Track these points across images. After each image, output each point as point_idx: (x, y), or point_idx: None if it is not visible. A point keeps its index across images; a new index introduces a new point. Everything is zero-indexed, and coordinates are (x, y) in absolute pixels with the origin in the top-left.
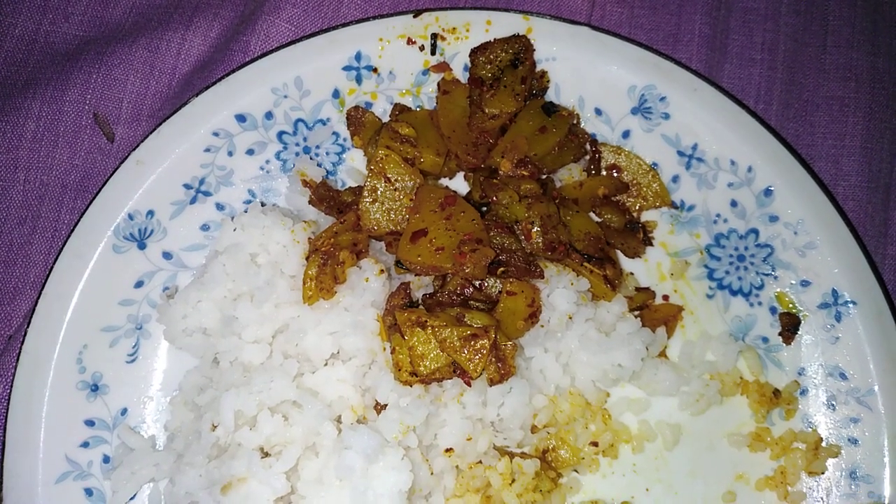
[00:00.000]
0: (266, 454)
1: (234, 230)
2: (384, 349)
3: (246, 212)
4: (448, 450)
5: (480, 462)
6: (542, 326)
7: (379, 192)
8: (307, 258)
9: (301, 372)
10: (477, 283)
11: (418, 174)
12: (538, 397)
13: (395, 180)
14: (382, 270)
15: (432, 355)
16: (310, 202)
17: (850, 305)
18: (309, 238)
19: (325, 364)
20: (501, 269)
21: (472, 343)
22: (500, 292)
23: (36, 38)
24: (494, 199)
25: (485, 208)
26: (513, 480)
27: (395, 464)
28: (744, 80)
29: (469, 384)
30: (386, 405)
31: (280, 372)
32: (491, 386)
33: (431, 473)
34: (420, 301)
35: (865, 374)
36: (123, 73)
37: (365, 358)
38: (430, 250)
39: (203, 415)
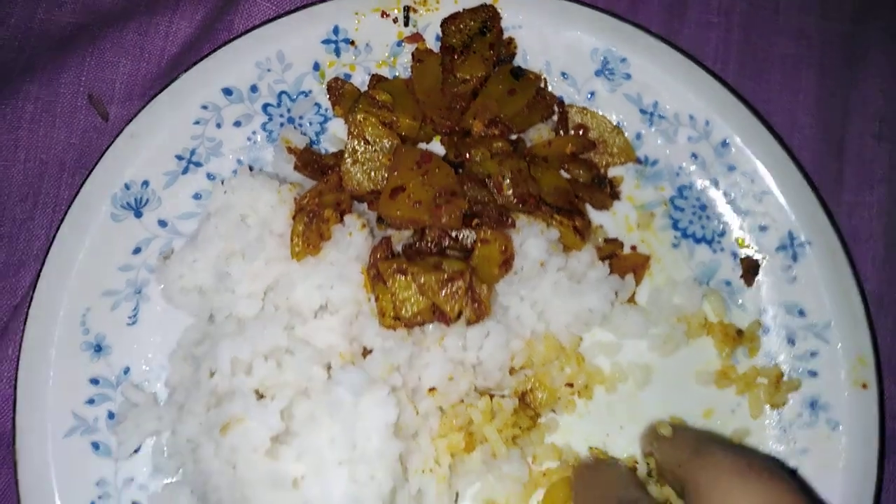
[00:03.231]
0: (261, 396)
1: (225, 193)
2: (369, 300)
3: (235, 174)
4: (431, 389)
5: (462, 401)
6: (516, 273)
7: (359, 154)
8: (294, 217)
9: (292, 325)
10: (453, 233)
11: (395, 135)
12: (515, 341)
13: (374, 142)
14: (364, 225)
15: (413, 299)
16: (295, 168)
17: (806, 246)
18: (295, 198)
19: (315, 316)
20: (476, 220)
21: (449, 285)
22: (474, 242)
23: (31, 25)
24: (468, 156)
25: (460, 170)
26: (493, 418)
27: (381, 399)
28: (702, 42)
29: (448, 324)
30: (372, 350)
31: (272, 321)
32: (468, 325)
33: (417, 414)
34: (401, 252)
35: (822, 310)
36: (115, 56)
37: (352, 308)
38: (408, 204)
39: (201, 364)
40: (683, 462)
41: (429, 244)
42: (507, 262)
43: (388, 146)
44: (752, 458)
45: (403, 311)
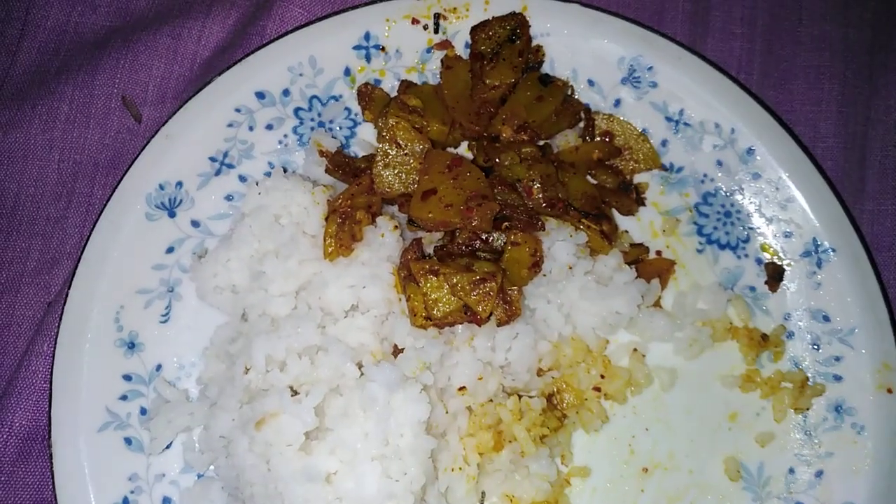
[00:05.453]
0: (295, 393)
1: (259, 194)
2: (400, 300)
3: (269, 175)
4: (461, 388)
5: (491, 401)
6: (545, 276)
7: (390, 157)
8: (326, 219)
9: (323, 325)
10: (484, 236)
11: (426, 139)
12: (542, 343)
13: (405, 145)
14: (396, 226)
15: (445, 300)
16: (326, 171)
17: (831, 252)
18: (327, 200)
19: (346, 316)
20: (506, 223)
21: (481, 286)
22: (505, 244)
23: (66, 28)
24: (497, 160)
25: (490, 174)
26: (521, 417)
27: (413, 396)
28: (725, 53)
29: (479, 324)
30: (403, 349)
31: (306, 320)
32: (499, 326)
33: (446, 412)
34: (432, 254)
35: (847, 316)
36: (148, 58)
37: (383, 308)
38: (439, 207)
39: (235, 361)
40: None
41: (459, 246)
42: (536, 265)
43: (419, 150)
44: None
45: (435, 311)
